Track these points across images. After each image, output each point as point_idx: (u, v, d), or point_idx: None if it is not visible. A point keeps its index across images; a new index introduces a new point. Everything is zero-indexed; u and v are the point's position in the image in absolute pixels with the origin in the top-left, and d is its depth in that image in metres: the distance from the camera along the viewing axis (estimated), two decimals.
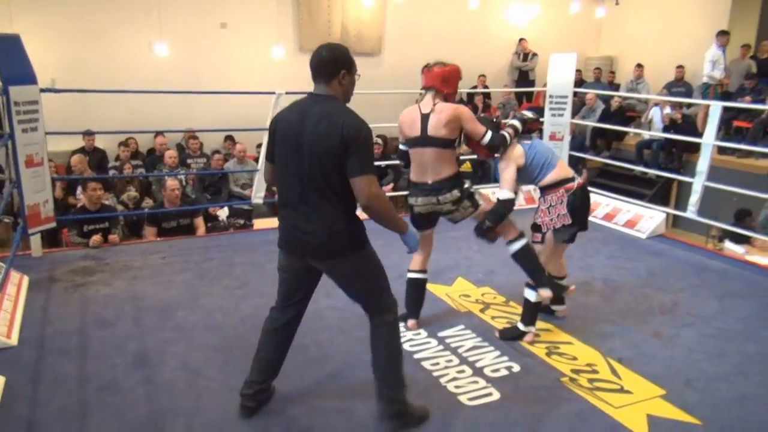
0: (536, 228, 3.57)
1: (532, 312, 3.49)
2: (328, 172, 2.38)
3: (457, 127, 3.34)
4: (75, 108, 7.88)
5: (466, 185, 3.42)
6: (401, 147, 3.57)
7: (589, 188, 6.22)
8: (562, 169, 3.50)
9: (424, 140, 3.35)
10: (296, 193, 2.46)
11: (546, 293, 3.41)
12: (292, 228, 2.52)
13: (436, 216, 3.49)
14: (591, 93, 9.74)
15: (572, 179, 3.47)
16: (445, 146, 3.33)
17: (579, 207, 3.43)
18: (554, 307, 3.77)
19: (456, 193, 3.35)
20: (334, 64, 2.45)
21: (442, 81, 3.37)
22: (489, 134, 3.38)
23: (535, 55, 11.30)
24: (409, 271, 3.63)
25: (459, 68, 3.46)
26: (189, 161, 8.15)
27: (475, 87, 10.84)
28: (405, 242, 2.65)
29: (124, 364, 3.13)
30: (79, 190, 6.89)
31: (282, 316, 2.71)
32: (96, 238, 4.94)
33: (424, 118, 3.35)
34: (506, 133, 3.42)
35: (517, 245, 3.44)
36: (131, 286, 4.15)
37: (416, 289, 3.63)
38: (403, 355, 2.71)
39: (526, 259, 3.45)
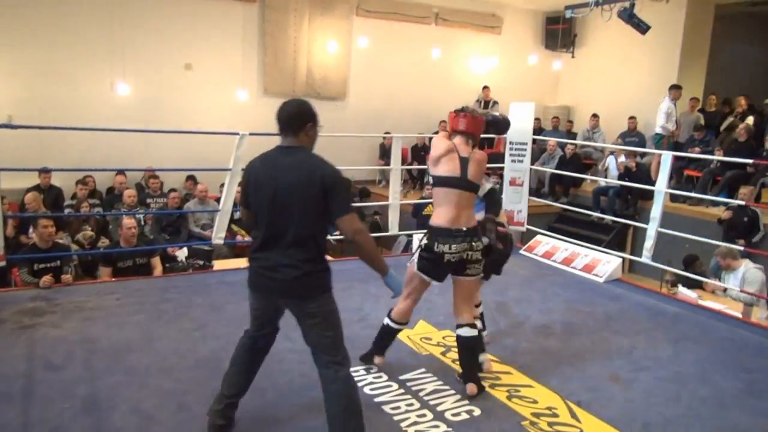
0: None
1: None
2: (305, 218, 2.55)
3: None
4: (31, 145, 7.73)
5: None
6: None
7: (549, 233, 6.36)
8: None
9: (465, 184, 3.32)
10: (271, 238, 2.60)
11: (473, 389, 3.29)
12: (264, 269, 2.62)
13: (455, 266, 3.34)
14: (552, 140, 10.04)
15: (504, 225, 3.71)
16: (476, 193, 3.42)
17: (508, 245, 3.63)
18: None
19: (484, 240, 3.39)
20: (301, 118, 2.62)
21: (479, 129, 3.47)
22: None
23: (495, 103, 11.62)
24: (391, 320, 3.52)
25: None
26: (149, 201, 8.03)
27: (436, 132, 11.05)
28: (389, 285, 2.76)
29: (72, 409, 2.99)
30: (31, 228, 6.69)
31: (254, 342, 2.87)
32: (46, 279, 4.76)
33: (464, 161, 3.34)
34: None
35: (470, 333, 3.37)
36: (83, 328, 4.00)
37: (390, 337, 3.57)
38: (361, 407, 2.68)
39: (472, 349, 3.39)
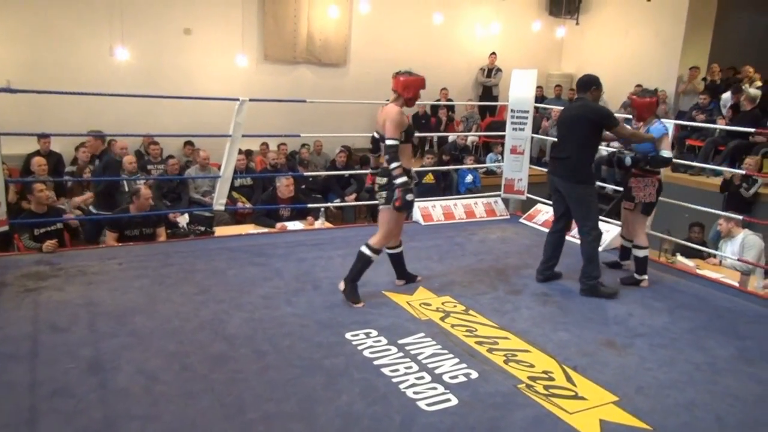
0: (630, 198, 4.85)
1: (642, 264, 4.70)
2: (579, 138, 4.42)
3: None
4: (30, 110, 7.70)
5: (399, 181, 3.84)
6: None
7: (549, 202, 6.29)
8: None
9: (379, 134, 4.00)
10: (562, 148, 4.49)
11: (342, 285, 4.07)
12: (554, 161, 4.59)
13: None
14: (555, 108, 9.96)
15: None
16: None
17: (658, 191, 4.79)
18: (637, 277, 4.72)
19: (384, 180, 3.94)
20: (588, 84, 4.45)
21: (398, 87, 3.95)
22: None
23: (499, 70, 11.53)
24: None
25: (421, 79, 3.97)
26: (149, 167, 8.02)
27: (438, 100, 10.98)
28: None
29: (77, 370, 3.05)
30: None
31: (555, 225, 4.64)
32: (49, 244, 4.78)
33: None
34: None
35: (366, 250, 4.07)
36: (86, 292, 4.05)
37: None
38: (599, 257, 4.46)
39: (365, 264, 4.09)
